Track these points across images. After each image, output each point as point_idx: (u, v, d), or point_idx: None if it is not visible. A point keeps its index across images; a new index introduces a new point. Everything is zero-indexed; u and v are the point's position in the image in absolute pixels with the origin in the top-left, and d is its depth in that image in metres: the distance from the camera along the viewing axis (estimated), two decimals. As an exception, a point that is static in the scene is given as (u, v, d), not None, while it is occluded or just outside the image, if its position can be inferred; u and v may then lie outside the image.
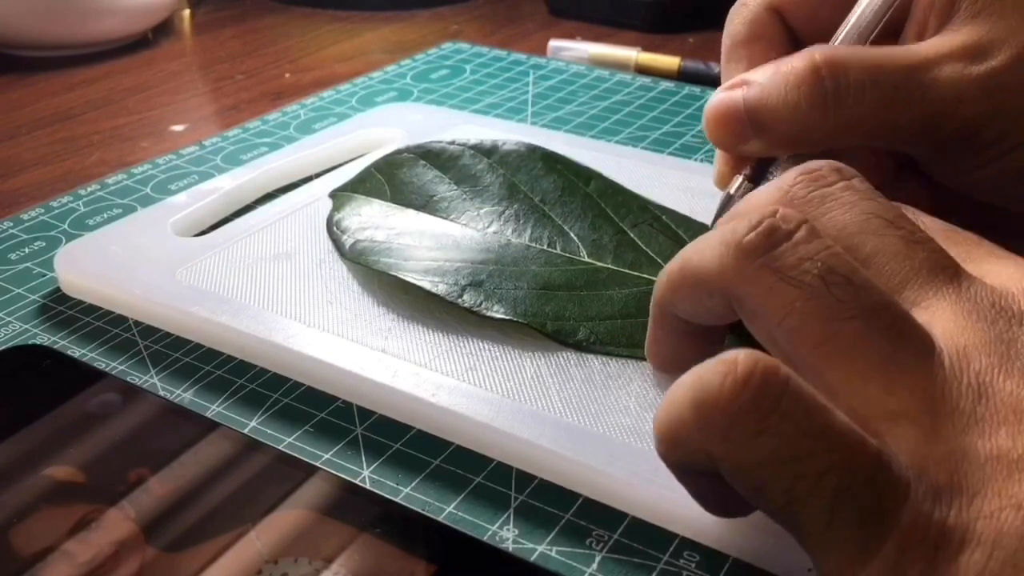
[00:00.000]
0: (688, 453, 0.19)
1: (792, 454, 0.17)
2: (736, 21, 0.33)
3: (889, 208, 0.22)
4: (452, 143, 0.38)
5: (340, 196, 0.37)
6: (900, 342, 0.19)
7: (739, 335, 0.27)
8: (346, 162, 0.41)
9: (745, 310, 0.21)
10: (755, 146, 0.29)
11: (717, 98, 0.30)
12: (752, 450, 0.17)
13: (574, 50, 0.58)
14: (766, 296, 0.20)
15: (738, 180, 0.30)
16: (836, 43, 0.30)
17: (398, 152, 0.38)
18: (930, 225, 0.23)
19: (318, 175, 0.41)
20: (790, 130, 0.28)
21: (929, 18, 0.30)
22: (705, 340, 0.25)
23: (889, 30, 0.31)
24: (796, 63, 0.28)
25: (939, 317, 0.20)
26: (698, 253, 0.22)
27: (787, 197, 0.22)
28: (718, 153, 0.32)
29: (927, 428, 0.18)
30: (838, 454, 0.17)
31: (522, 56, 0.58)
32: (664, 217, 0.34)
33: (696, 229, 0.33)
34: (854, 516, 0.17)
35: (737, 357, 0.18)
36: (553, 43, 0.59)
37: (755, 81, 0.29)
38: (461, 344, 0.29)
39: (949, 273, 0.21)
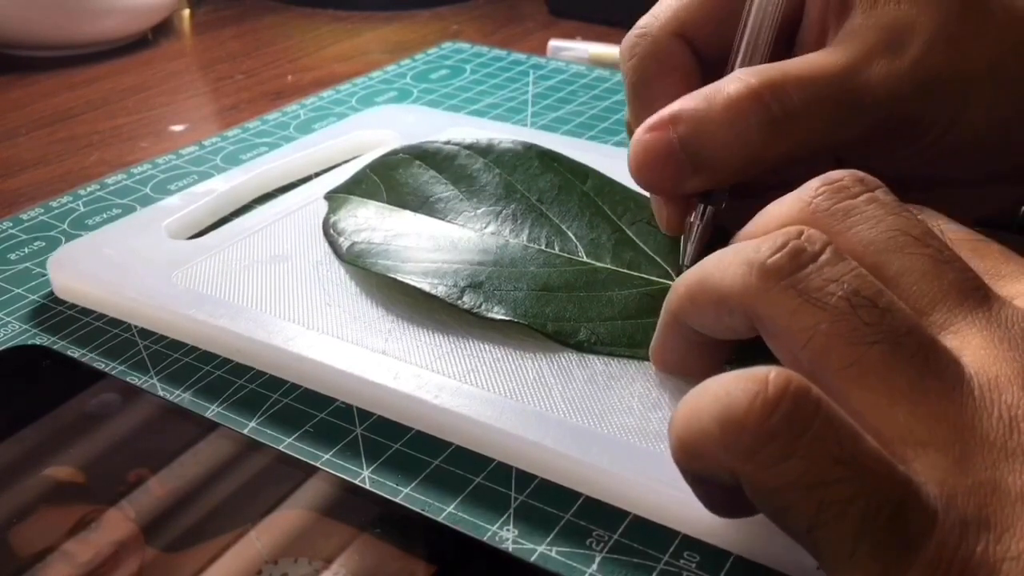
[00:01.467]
0: (708, 467, 0.19)
1: (820, 479, 0.17)
2: (640, 55, 0.31)
3: (916, 224, 0.21)
4: (447, 143, 0.38)
5: (336, 198, 0.37)
6: (927, 368, 0.19)
7: (748, 347, 0.27)
8: (341, 164, 0.41)
9: (768, 331, 0.20)
10: (695, 183, 0.28)
11: (643, 141, 0.28)
12: (779, 473, 0.17)
13: (574, 50, 0.58)
14: (790, 318, 0.20)
15: (697, 215, 0.29)
16: (738, 63, 0.29)
17: (393, 153, 0.38)
18: (956, 234, 0.23)
19: (313, 176, 0.41)
20: (736, 161, 0.27)
21: (827, 18, 0.29)
22: (715, 350, 0.25)
23: (779, 43, 0.30)
24: (732, 92, 0.27)
25: (969, 343, 0.20)
26: (720, 270, 0.21)
27: (810, 209, 0.22)
28: (655, 200, 0.30)
29: (956, 458, 0.18)
30: (867, 481, 0.17)
31: (522, 56, 0.58)
32: None
33: None
34: (880, 544, 0.17)
35: (768, 376, 0.17)
36: (553, 43, 0.59)
37: (684, 116, 0.27)
38: (462, 345, 0.29)
39: (979, 296, 0.20)
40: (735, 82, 0.27)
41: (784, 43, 0.31)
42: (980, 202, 0.32)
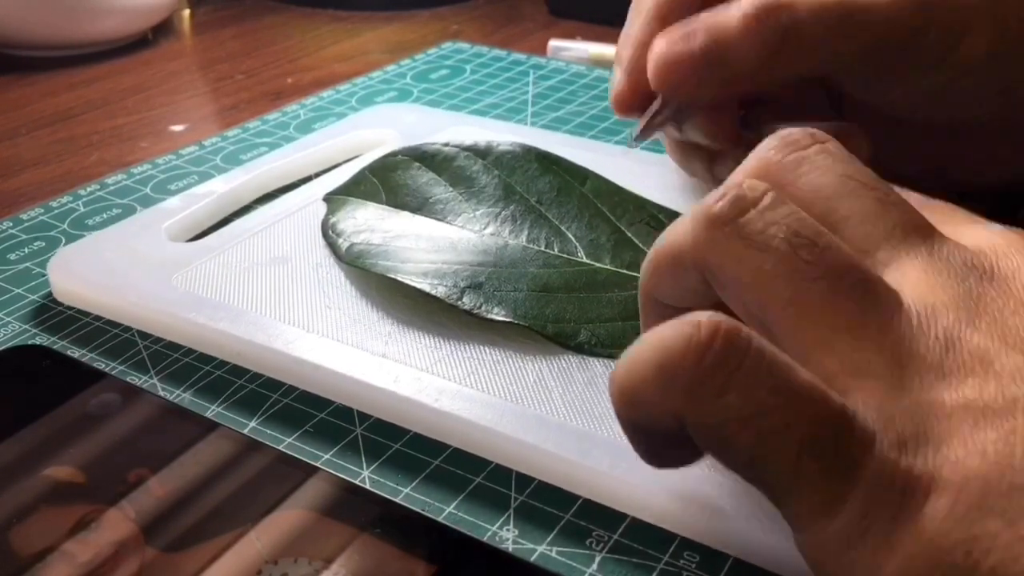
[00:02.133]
0: (649, 413, 0.19)
1: (756, 410, 0.18)
2: None
3: (863, 171, 0.22)
4: (446, 145, 0.38)
5: (335, 200, 0.37)
6: (866, 301, 0.19)
7: None
8: (341, 163, 0.41)
9: (718, 281, 0.21)
10: (710, 89, 0.31)
11: (665, 50, 0.31)
12: (717, 408, 0.18)
13: (574, 50, 0.58)
14: (736, 264, 0.20)
15: (659, 107, 0.33)
16: None
17: (392, 154, 0.38)
18: (908, 196, 0.24)
19: (312, 177, 0.41)
20: (749, 69, 0.30)
21: None
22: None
23: None
24: (748, 8, 0.30)
25: (909, 276, 0.20)
26: (672, 231, 0.22)
27: (763, 163, 0.23)
28: (619, 77, 0.34)
29: (893, 383, 0.18)
30: (802, 408, 0.18)
31: (522, 56, 0.58)
32: (661, 216, 0.34)
33: None
34: (820, 468, 0.17)
35: (699, 319, 0.18)
36: (553, 43, 0.59)
37: (701, 30, 0.31)
38: (462, 348, 0.29)
39: (922, 233, 0.21)
40: (749, 1, 0.30)
41: None
42: (992, 161, 0.35)
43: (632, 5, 0.36)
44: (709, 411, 0.18)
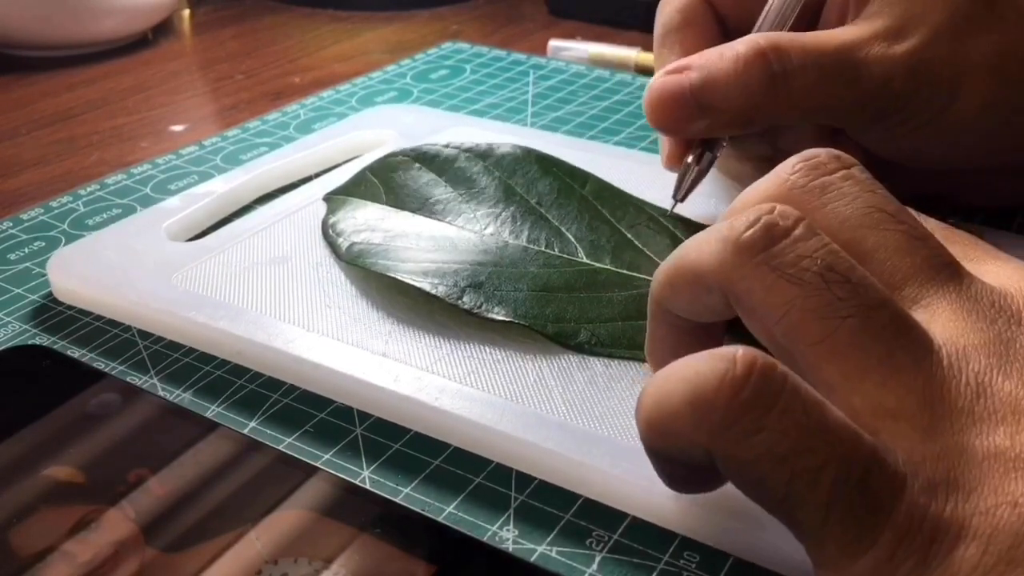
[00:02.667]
0: (677, 444, 0.19)
1: (790, 450, 0.17)
2: (668, 9, 0.35)
3: (890, 201, 0.22)
4: (447, 146, 0.38)
5: (335, 200, 0.37)
6: (897, 340, 0.19)
7: (737, 333, 0.27)
8: (341, 164, 0.41)
9: (743, 307, 0.21)
10: (700, 127, 0.31)
11: (659, 83, 0.32)
12: (751, 446, 0.18)
13: (574, 50, 0.58)
14: (765, 293, 0.20)
15: (691, 157, 0.33)
16: (760, 30, 0.33)
17: (392, 155, 0.38)
18: (927, 223, 0.23)
19: (312, 177, 0.41)
20: (738, 109, 0.30)
21: (848, 2, 0.32)
22: (704, 336, 0.25)
23: (804, 18, 0.34)
24: (741, 49, 0.30)
25: (939, 316, 0.20)
26: (696, 249, 0.22)
27: (787, 186, 0.23)
28: (663, 138, 0.34)
29: (924, 425, 0.18)
30: (835, 449, 0.17)
31: (522, 56, 0.58)
32: (661, 218, 0.34)
33: (694, 229, 0.33)
34: (850, 509, 0.17)
35: (735, 354, 0.18)
36: (553, 43, 0.59)
37: (697, 66, 0.31)
38: (462, 347, 0.29)
39: (950, 271, 0.21)
40: (746, 42, 0.31)
41: (806, 25, 0.34)
42: (990, 191, 0.35)
43: (655, 54, 0.36)
44: (742, 449, 0.18)
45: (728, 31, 0.35)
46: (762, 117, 0.31)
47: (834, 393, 0.19)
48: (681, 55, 0.33)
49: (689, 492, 0.22)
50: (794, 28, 0.33)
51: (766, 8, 0.33)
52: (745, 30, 0.33)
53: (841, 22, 0.33)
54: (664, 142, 0.34)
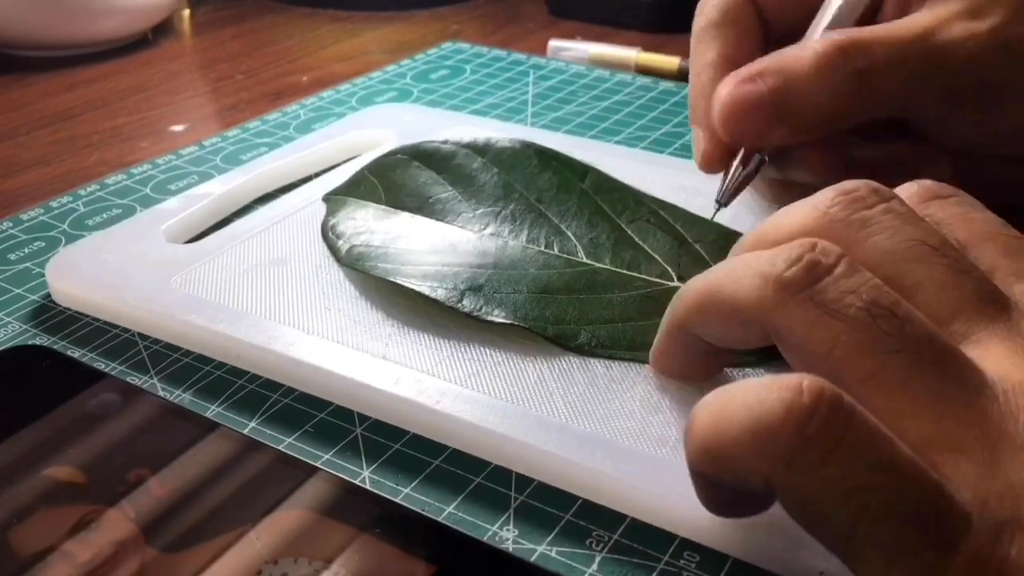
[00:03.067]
0: (736, 474, 0.19)
1: (858, 485, 0.17)
2: (710, 5, 0.34)
3: (932, 233, 0.21)
4: (445, 143, 0.38)
5: (334, 200, 0.37)
6: (948, 375, 0.19)
7: (751, 353, 0.27)
8: (340, 163, 0.41)
9: (786, 343, 0.20)
10: (780, 135, 0.30)
11: (731, 93, 0.30)
12: (817, 481, 0.17)
13: (574, 50, 0.58)
14: (809, 330, 0.20)
15: (747, 161, 0.31)
16: (822, 27, 0.31)
17: (391, 154, 0.38)
18: (985, 225, 0.23)
19: (312, 177, 0.41)
20: (822, 114, 0.29)
21: None
22: (719, 356, 0.25)
23: (865, 16, 0.32)
24: (820, 48, 0.29)
25: (991, 353, 0.20)
26: (733, 282, 0.21)
27: (825, 219, 0.22)
28: (699, 134, 0.32)
29: (985, 462, 0.18)
30: (904, 486, 0.17)
31: (522, 56, 0.58)
32: (661, 212, 0.34)
33: (693, 222, 0.33)
34: (917, 549, 0.17)
35: (801, 383, 0.17)
36: (553, 43, 0.59)
37: (773, 70, 0.29)
38: (462, 349, 0.29)
39: (998, 305, 0.20)
40: (822, 41, 0.29)
41: (866, 20, 0.32)
42: None
43: (692, 49, 0.34)
44: (806, 483, 0.17)
45: (770, 32, 0.34)
46: (847, 119, 0.29)
47: (888, 428, 0.18)
48: (720, 52, 0.32)
49: (729, 516, 0.21)
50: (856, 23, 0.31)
51: (824, 5, 0.31)
52: (789, 32, 0.32)
53: (904, 11, 0.31)
54: (699, 140, 0.32)
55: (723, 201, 0.31)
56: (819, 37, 0.30)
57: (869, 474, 0.17)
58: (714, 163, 0.32)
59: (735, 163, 0.31)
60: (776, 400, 0.17)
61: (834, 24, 0.31)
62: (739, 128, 0.30)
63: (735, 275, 0.21)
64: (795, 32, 0.32)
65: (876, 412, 0.18)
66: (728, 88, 0.30)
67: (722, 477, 0.19)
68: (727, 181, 0.31)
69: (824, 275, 0.20)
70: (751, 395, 0.18)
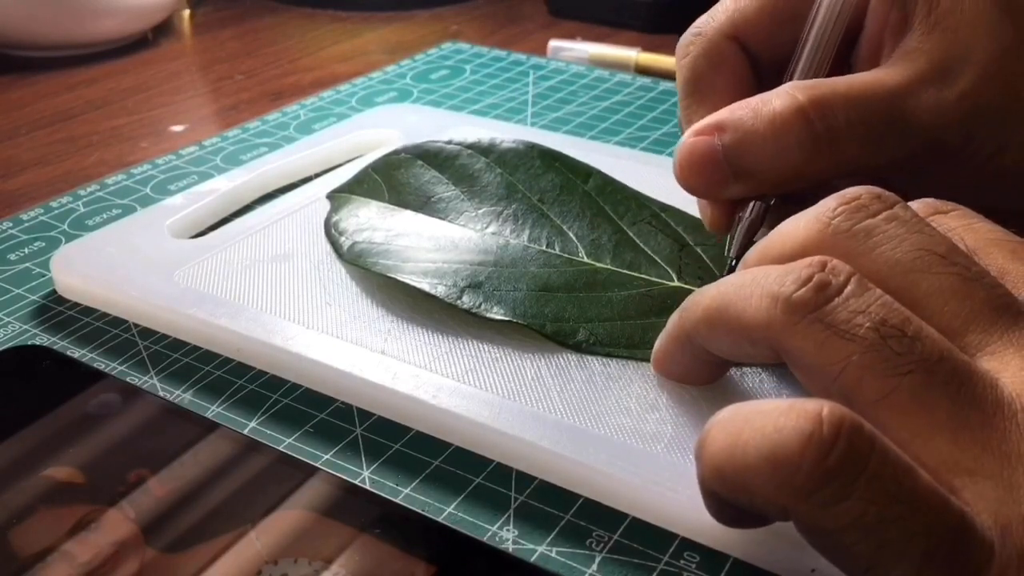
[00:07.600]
0: (752, 500, 0.18)
1: (878, 519, 0.17)
2: (694, 54, 0.31)
3: (939, 240, 0.21)
4: (449, 142, 0.38)
5: (338, 197, 0.37)
6: (963, 395, 0.18)
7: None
8: (343, 163, 0.41)
9: (796, 363, 0.20)
10: (735, 190, 0.28)
11: (689, 144, 0.28)
12: (837, 515, 0.17)
13: (574, 50, 0.58)
14: (819, 351, 0.19)
15: (747, 210, 0.29)
16: (798, 72, 0.30)
17: (395, 152, 0.38)
18: (991, 233, 0.23)
19: (315, 176, 0.41)
20: (777, 174, 0.27)
21: (884, 36, 0.30)
22: (724, 363, 0.25)
23: (839, 56, 0.30)
24: (778, 106, 0.27)
25: (1008, 365, 0.19)
26: (742, 300, 0.21)
27: (829, 231, 0.22)
28: (700, 200, 0.31)
29: (1006, 486, 0.17)
30: (926, 518, 0.17)
31: (522, 56, 0.58)
32: (663, 214, 0.34)
33: (694, 226, 0.33)
34: None
35: (821, 412, 0.17)
36: (553, 43, 0.59)
37: (730, 125, 0.28)
38: (461, 345, 0.29)
39: (1012, 313, 0.20)
40: (782, 96, 0.27)
41: (841, 56, 0.31)
42: None
43: (679, 102, 0.32)
44: (826, 517, 0.17)
45: (760, 71, 0.32)
46: (805, 178, 0.28)
47: (904, 451, 0.18)
48: (711, 109, 0.30)
49: (738, 527, 0.21)
50: (831, 66, 0.30)
51: (798, 49, 0.30)
52: (779, 69, 0.30)
53: (876, 58, 0.30)
54: (703, 204, 0.31)
55: (734, 255, 0.30)
56: (792, 83, 0.28)
57: (890, 507, 0.17)
58: (721, 227, 0.30)
59: (738, 216, 0.30)
60: (794, 430, 0.17)
61: (806, 71, 0.30)
62: (694, 181, 0.29)
63: (744, 292, 0.21)
64: (786, 61, 0.31)
65: (892, 435, 0.18)
66: (684, 140, 0.29)
67: (736, 499, 0.19)
68: (735, 236, 0.30)
69: (834, 295, 0.20)
70: (768, 421, 0.18)
